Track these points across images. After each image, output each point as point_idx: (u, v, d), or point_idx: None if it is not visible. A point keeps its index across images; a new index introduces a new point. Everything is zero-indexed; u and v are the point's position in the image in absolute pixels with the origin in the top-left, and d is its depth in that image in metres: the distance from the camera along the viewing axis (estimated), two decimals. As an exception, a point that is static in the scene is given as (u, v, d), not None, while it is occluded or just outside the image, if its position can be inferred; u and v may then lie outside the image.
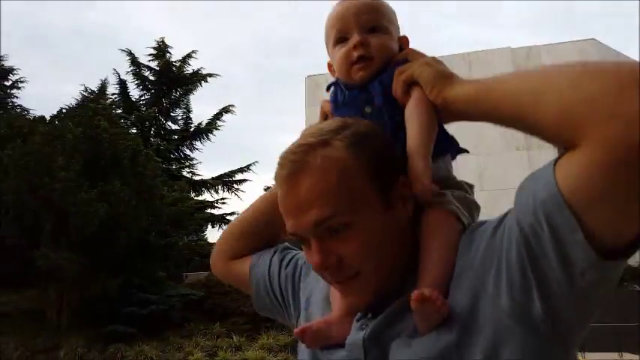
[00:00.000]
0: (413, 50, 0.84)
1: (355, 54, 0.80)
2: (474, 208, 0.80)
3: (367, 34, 0.81)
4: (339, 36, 0.83)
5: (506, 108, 0.63)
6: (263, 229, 0.99)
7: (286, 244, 1.02)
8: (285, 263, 0.97)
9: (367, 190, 0.71)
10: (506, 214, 0.66)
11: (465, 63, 11.33)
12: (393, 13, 0.88)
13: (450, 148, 0.83)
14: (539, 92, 0.58)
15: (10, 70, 16.89)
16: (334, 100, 0.84)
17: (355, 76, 0.81)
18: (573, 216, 0.53)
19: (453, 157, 0.84)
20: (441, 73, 0.76)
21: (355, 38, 0.80)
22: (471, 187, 0.83)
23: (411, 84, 0.77)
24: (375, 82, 0.80)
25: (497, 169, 10.51)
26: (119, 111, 16.17)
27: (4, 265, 10.56)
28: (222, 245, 1.05)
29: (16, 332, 10.54)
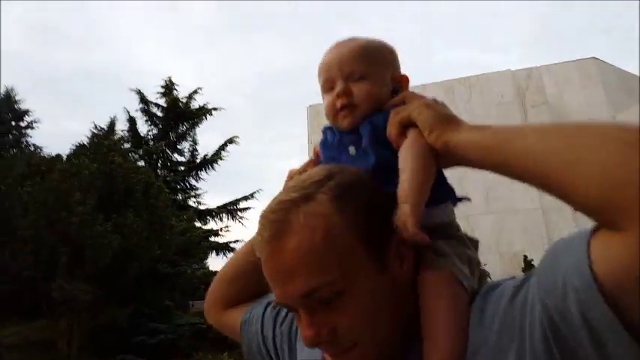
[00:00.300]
0: (411, 93, 0.81)
1: (338, 103, 0.81)
2: (475, 266, 0.74)
3: (352, 81, 0.81)
4: (326, 85, 0.84)
5: (525, 165, 0.58)
6: (255, 273, 0.83)
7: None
8: (280, 320, 0.89)
9: (358, 250, 0.64)
10: (525, 280, 0.60)
11: (464, 87, 10.88)
12: (388, 52, 0.86)
13: (450, 195, 0.78)
14: (572, 160, 0.52)
15: (26, 112, 17.82)
16: (324, 141, 0.85)
17: (341, 123, 0.81)
18: (612, 311, 0.47)
19: (454, 204, 0.79)
20: (441, 115, 0.71)
21: (338, 87, 0.81)
22: (475, 242, 0.78)
23: (407, 126, 0.73)
24: (366, 123, 0.78)
25: (504, 189, 9.37)
26: (127, 145, 16.84)
27: (20, 297, 10.94)
28: (214, 292, 0.99)
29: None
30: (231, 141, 18.01)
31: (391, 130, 0.75)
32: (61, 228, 10.03)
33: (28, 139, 17.75)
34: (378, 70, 0.84)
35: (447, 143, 0.68)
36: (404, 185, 0.68)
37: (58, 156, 12.90)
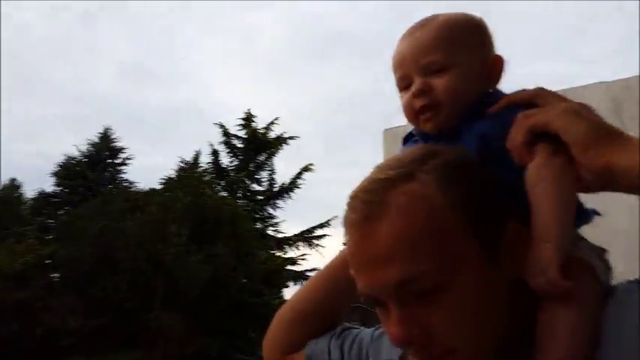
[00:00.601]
0: (546, 91, 0.64)
1: (417, 104, 0.68)
2: (606, 260, 0.63)
3: (431, 75, 0.68)
4: (401, 82, 0.72)
5: None
6: (319, 314, 0.81)
7: (345, 324, 0.84)
8: (346, 348, 0.79)
9: (465, 239, 0.55)
10: None
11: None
12: (475, 30, 0.72)
13: (589, 216, 0.65)
14: None
15: (120, 149, 19.22)
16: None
17: (424, 127, 0.70)
18: None
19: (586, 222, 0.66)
20: (600, 127, 0.56)
21: (415, 85, 0.68)
22: (603, 251, 0.65)
23: (539, 135, 0.58)
24: (472, 135, 0.65)
25: (604, 208, 9.38)
26: (210, 177, 17.50)
27: (119, 327, 11.42)
28: (274, 336, 0.86)
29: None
30: (306, 169, 18.11)
31: (517, 138, 0.60)
32: (158, 259, 10.41)
33: (123, 175, 19.07)
34: (464, 56, 0.69)
35: (610, 166, 0.54)
36: (544, 219, 0.57)
37: (153, 190, 13.61)
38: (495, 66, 0.71)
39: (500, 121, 0.63)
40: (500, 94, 0.70)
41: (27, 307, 12.64)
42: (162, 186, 17.05)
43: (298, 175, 18.07)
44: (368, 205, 0.55)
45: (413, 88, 0.69)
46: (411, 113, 0.70)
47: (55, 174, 18.84)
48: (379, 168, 0.60)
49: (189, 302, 10.66)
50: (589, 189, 0.59)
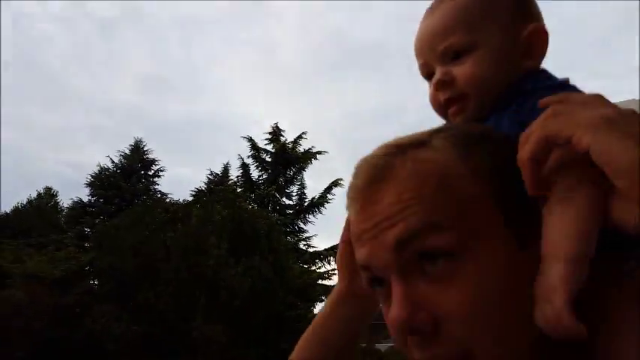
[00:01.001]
0: (576, 95, 0.48)
1: (441, 97, 0.61)
2: None
3: (451, 63, 0.59)
4: (422, 71, 0.65)
5: None
6: (342, 328, 0.71)
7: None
8: None
9: (488, 210, 0.45)
10: None
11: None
12: (492, 2, 0.59)
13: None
14: None
15: (153, 161, 19.87)
16: None
17: (454, 121, 0.62)
18: None
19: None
20: None
21: (435, 75, 0.61)
22: None
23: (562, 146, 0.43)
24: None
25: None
26: (239, 190, 17.95)
27: (161, 338, 11.77)
28: (297, 355, 0.75)
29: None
30: (335, 184, 18.44)
31: (521, 154, 0.45)
32: (199, 271, 10.77)
33: (156, 186, 19.68)
34: (490, 31, 0.58)
35: None
36: (556, 276, 0.41)
37: (191, 202, 14.07)
38: (534, 39, 0.59)
39: (519, 121, 0.52)
40: (543, 76, 0.59)
41: (70, 313, 13.10)
42: (193, 198, 17.55)
43: (327, 190, 18.42)
44: (372, 169, 0.49)
45: (434, 80, 0.61)
46: (438, 107, 0.63)
47: (90, 184, 19.51)
48: (393, 139, 0.52)
49: (230, 313, 10.95)
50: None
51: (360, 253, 0.49)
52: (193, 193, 17.74)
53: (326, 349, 0.70)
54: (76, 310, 13.28)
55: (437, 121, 0.63)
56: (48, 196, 23.57)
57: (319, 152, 18.95)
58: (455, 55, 0.59)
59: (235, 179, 18.55)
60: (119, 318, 11.23)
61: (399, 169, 0.47)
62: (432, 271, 0.44)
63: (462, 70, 0.58)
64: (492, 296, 0.43)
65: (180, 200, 15.18)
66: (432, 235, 0.44)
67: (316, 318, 0.74)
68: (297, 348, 0.73)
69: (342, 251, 0.68)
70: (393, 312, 0.45)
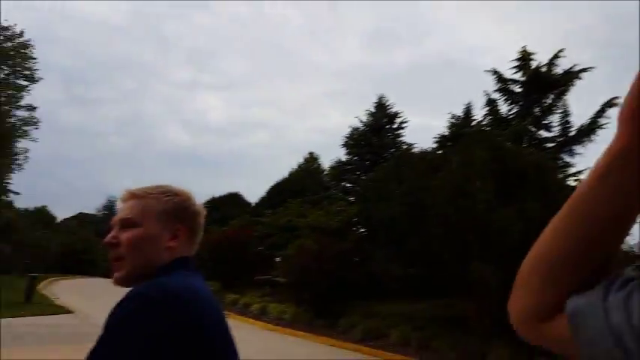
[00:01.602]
0: None
1: None
2: None
3: None
4: None
5: None
6: (585, 253, 0.57)
7: (628, 270, 0.53)
8: (637, 306, 0.48)
9: None
10: None
11: None
12: None
13: None
14: None
15: (396, 115, 20.75)
16: None
17: None
18: None
19: None
20: None
21: None
22: None
23: None
24: None
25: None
26: (488, 129, 16.80)
27: (430, 278, 12.47)
28: (520, 298, 0.65)
29: (446, 336, 12.17)
30: (609, 104, 15.18)
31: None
32: (468, 215, 10.71)
33: (401, 138, 20.57)
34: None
35: None
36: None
37: (449, 150, 14.06)
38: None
39: None
40: None
41: (350, 257, 15.22)
42: (436, 144, 17.45)
43: (599, 113, 15.39)
44: None
45: None
46: None
47: (345, 144, 21.81)
48: None
49: (502, 256, 10.63)
50: None
51: None
52: (437, 139, 17.66)
53: (588, 224, 0.56)
54: (354, 255, 15.30)
55: None
56: (312, 159, 27.66)
57: (583, 70, 15.85)
58: None
59: (482, 118, 17.44)
60: (395, 261, 12.33)
61: None
62: None
63: None
64: None
65: (426, 148, 15.35)
66: None
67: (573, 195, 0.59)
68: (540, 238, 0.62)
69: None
70: None
